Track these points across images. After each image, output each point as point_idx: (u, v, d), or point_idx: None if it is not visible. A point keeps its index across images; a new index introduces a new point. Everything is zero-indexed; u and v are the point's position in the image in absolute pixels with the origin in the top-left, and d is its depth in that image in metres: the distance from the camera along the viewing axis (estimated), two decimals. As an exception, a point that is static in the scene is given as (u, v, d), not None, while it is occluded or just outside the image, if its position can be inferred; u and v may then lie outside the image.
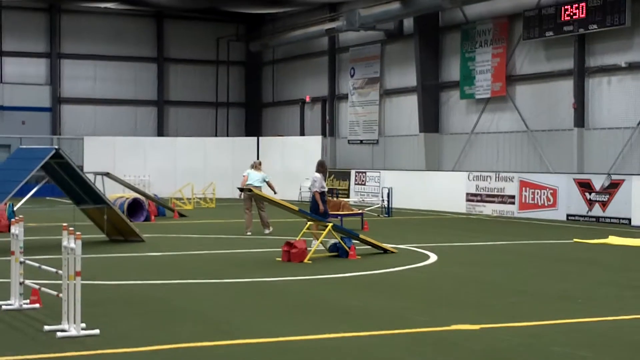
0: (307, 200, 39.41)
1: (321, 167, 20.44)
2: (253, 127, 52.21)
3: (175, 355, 9.07)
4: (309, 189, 20.62)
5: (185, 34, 51.85)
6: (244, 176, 23.84)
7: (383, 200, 32.24)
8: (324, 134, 45.45)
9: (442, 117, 38.28)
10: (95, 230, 21.23)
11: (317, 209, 19.52)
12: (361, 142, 43.28)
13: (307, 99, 47.59)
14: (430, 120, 38.21)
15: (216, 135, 50.81)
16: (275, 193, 22.52)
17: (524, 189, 30.52)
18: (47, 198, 37.99)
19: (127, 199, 27.65)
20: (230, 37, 52.24)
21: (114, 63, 50.52)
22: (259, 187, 23.01)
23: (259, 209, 23.71)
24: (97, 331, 9.84)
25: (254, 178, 23.47)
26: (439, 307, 12.23)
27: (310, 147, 41.84)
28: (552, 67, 32.77)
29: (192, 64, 52.36)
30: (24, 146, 24.12)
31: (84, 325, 9.85)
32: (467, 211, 32.40)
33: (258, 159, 42.42)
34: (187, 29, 51.89)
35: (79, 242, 9.86)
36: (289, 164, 41.95)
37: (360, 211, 26.34)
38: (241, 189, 20.97)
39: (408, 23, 39.65)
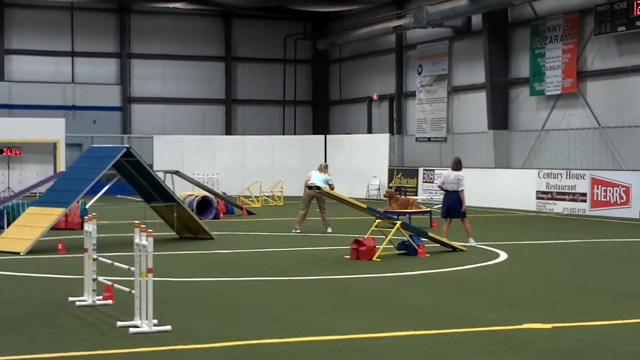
0: (374, 198, 39.39)
1: (460, 165, 20.49)
2: (320, 126, 52.26)
3: (244, 351, 9.12)
4: (441, 186, 20.01)
5: (253, 32, 52.09)
6: (307, 176, 23.88)
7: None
8: (391, 131, 45.31)
9: (511, 114, 37.92)
10: (166, 227, 21.44)
11: (459, 208, 19.55)
12: (429, 139, 43.07)
13: (374, 97, 47.49)
14: (499, 117, 37.87)
15: (284, 134, 50.96)
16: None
17: (595, 186, 30.08)
18: (118, 196, 38.46)
19: (196, 197, 27.88)
20: (298, 36, 52.35)
21: (182, 62, 50.97)
22: (318, 188, 23.15)
23: (321, 209, 23.70)
24: (168, 327, 9.93)
25: (317, 179, 23.48)
26: (510, 306, 12.11)
27: (378, 145, 41.77)
28: (624, 62, 32.24)
29: (259, 63, 52.59)
30: (95, 145, 24.43)
31: (155, 321, 9.95)
32: (537, 209, 32.04)
33: (325, 157, 42.60)
34: (255, 28, 52.13)
35: (151, 239, 9.96)
36: (356, 162, 41.93)
37: (428, 209, 26.21)
38: (309, 187, 21.01)
39: (476, 19, 39.34)
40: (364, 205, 18.54)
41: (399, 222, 17.85)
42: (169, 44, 50.41)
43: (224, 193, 31.64)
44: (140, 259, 10.06)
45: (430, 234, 18.56)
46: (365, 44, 47.74)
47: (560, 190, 31.45)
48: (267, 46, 52.36)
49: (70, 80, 48.64)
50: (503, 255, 17.92)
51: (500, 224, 27.04)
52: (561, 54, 34.49)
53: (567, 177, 31.23)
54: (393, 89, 46.22)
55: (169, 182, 29.22)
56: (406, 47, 45.47)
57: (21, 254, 17.62)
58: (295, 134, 51.11)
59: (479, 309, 11.75)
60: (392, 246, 18.08)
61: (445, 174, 20.46)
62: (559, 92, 34.70)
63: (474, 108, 39.83)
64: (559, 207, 31.33)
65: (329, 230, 23.30)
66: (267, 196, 37.28)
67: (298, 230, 23.18)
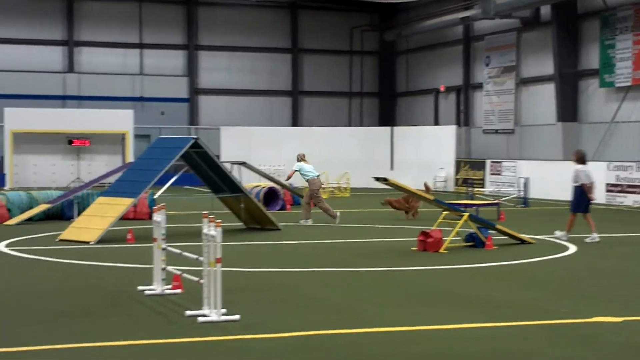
0: (442, 190, 39.20)
1: (582, 159, 20.05)
2: (387, 117, 52.11)
3: (311, 342, 9.13)
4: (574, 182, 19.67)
5: (320, 24, 52.11)
6: (291, 171, 24.05)
7: (520, 190, 31.74)
8: (458, 123, 45.03)
9: (580, 106, 37.42)
10: (233, 218, 21.57)
11: (578, 202, 19.32)
12: (496, 131, 42.70)
13: (441, 89, 47.23)
14: (568, 109, 37.39)
15: (350, 125, 50.92)
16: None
17: (666, 179, 29.58)
18: (186, 187, 38.78)
19: (263, 188, 28.00)
20: (364, 27, 52.26)
21: (249, 54, 51.19)
22: (318, 177, 23.73)
23: (319, 202, 23.63)
24: (237, 317, 9.99)
25: (310, 169, 23.69)
26: (580, 299, 11.97)
27: (444, 137, 41.54)
28: (697, 53, 31.63)
29: (326, 55, 52.59)
30: (163, 136, 24.65)
31: (224, 310, 10.01)
32: (607, 202, 31.57)
33: (392, 149, 42.55)
34: (321, 20, 52.15)
35: (219, 230, 10.02)
36: (423, 154, 41.77)
37: (496, 201, 25.99)
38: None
39: (545, 10, 38.87)
40: (432, 197, 18.44)
41: (466, 214, 17.73)
42: (236, 36, 50.65)
43: (290, 184, 31.64)
44: (209, 249, 10.13)
45: (498, 226, 18.40)
46: (433, 35, 47.48)
47: (631, 183, 30.96)
48: (333, 38, 52.35)
49: (138, 71, 49.16)
50: (572, 248, 17.71)
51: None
52: (632, 45, 33.94)
53: (637, 170, 30.74)
54: (460, 80, 45.92)
55: (236, 173, 29.37)
56: (473, 39, 45.12)
57: (91, 243, 17.87)
58: (361, 125, 51.04)
59: (547, 301, 11.63)
60: (459, 238, 17.96)
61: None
62: (629, 83, 34.15)
63: (543, 100, 39.38)
64: (630, 200, 30.86)
65: (337, 221, 23.05)
66: (333, 188, 37.29)
67: (309, 221, 23.05)
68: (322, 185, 25.20)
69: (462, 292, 12.50)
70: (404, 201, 24.89)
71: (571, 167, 19.86)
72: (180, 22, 50.04)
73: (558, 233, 19.63)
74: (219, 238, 10.01)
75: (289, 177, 25.26)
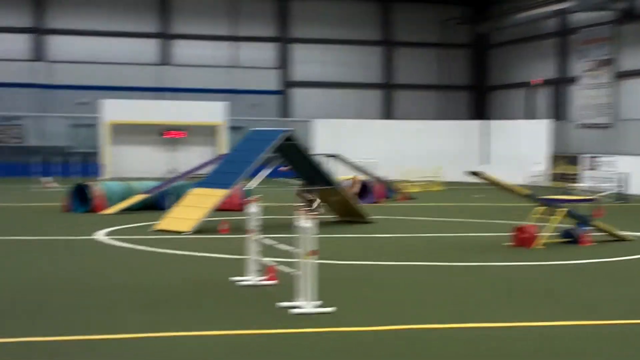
0: (535, 184, 38.62)
1: None
2: (479, 111, 51.63)
3: (407, 336, 9.08)
4: None
5: (412, 17, 51.85)
6: None
7: (619, 185, 31.10)
8: (552, 117, 44.34)
9: (682, 100, 36.51)
10: (325, 210, 21.58)
11: None
12: (592, 126, 41.93)
13: (535, 82, 46.55)
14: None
15: (442, 119, 50.57)
16: None
17: None
18: (279, 179, 38.97)
19: (355, 180, 27.98)
20: (456, 20, 51.80)
21: (341, 47, 51.20)
22: None
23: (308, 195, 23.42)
24: (331, 309, 9.99)
25: None
26: (681, 298, 11.67)
27: (538, 131, 40.95)
28: None
29: (418, 47, 52.31)
30: (257, 128, 24.78)
31: (318, 302, 10.02)
32: None
33: (484, 143, 42.06)
34: (414, 12, 51.88)
35: (313, 222, 10.02)
36: (516, 148, 41.26)
37: (593, 197, 25.51)
38: (471, 172, 20.75)
39: (644, 2, 38.05)
40: (526, 192, 18.19)
41: (563, 210, 17.42)
42: (328, 29, 50.72)
43: (382, 177, 31.60)
44: (304, 241, 10.14)
45: (595, 222, 18.04)
46: (526, 27, 46.82)
47: None
48: (426, 30, 52.04)
49: (231, 64, 49.58)
50: (672, 246, 17.28)
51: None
52: None
53: None
54: (554, 73, 45.20)
55: (328, 165, 29.40)
56: (568, 31, 44.34)
57: (186, 233, 18.08)
58: (454, 119, 50.64)
59: (647, 300, 11.37)
60: (555, 234, 17.67)
61: None
62: None
63: (642, 93, 38.54)
64: None
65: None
66: (425, 181, 37.09)
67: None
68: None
69: (559, 289, 12.30)
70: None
71: None
72: (273, 15, 50.30)
73: None
74: (313, 230, 10.02)
75: None
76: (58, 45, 47.66)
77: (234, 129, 44.82)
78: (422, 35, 52.09)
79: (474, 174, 19.35)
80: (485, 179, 17.79)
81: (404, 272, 13.74)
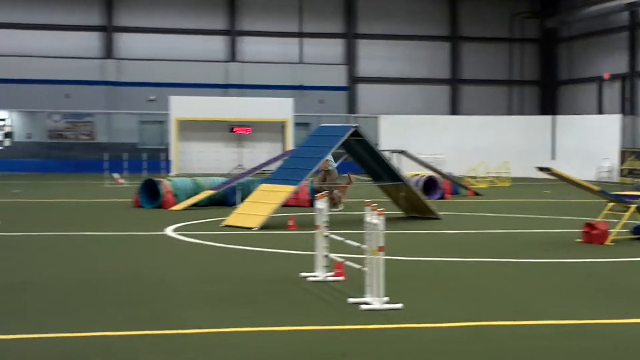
0: (605, 180, 38.14)
1: None
2: (548, 106, 51.11)
3: (475, 332, 9.03)
4: None
5: (479, 11, 51.52)
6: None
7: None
8: (623, 112, 43.70)
9: None
10: (393, 206, 21.56)
11: None
12: (664, 120, 41.29)
13: (606, 77, 45.93)
14: None
15: (510, 114, 50.16)
16: None
17: None
18: (343, 174, 38.98)
19: (422, 176, 27.90)
20: (525, 14, 51.34)
21: (407, 42, 51.09)
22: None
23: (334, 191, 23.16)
24: (400, 305, 9.97)
25: (332, 159, 23.13)
26: None
27: (609, 126, 40.40)
28: None
29: (485, 42, 51.98)
30: (324, 124, 24.84)
31: (387, 299, 10.01)
32: None
33: (553, 138, 41.63)
34: (481, 7, 51.54)
35: (382, 218, 10.01)
36: (586, 143, 40.76)
37: (663, 193, 25.07)
38: (541, 168, 20.55)
39: None
40: (597, 188, 17.96)
41: (633, 206, 17.17)
42: (394, 24, 50.62)
43: (449, 173, 31.47)
44: (372, 237, 10.14)
45: (666, 218, 17.73)
46: (596, 21, 46.23)
47: None
48: (493, 25, 51.67)
49: (298, 60, 49.73)
50: None
51: None
52: None
53: None
54: (625, 68, 44.55)
55: (395, 161, 29.36)
56: (639, 25, 43.67)
57: (254, 229, 18.18)
58: (521, 114, 50.20)
59: None
60: (626, 230, 17.42)
61: None
62: None
63: None
64: None
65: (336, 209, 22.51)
66: (493, 177, 36.84)
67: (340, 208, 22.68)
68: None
69: (630, 286, 12.13)
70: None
71: None
72: (339, 11, 50.35)
73: None
74: (381, 226, 10.01)
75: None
76: (127, 43, 48.27)
77: (300, 125, 44.98)
78: (489, 30, 51.74)
79: (544, 169, 19.15)
80: (555, 174, 17.59)
81: (472, 268, 13.66)
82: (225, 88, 48.68)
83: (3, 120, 47.77)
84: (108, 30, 48.14)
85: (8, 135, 47.76)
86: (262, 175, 27.24)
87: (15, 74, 47.00)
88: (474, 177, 35.81)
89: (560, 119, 44.03)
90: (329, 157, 22.38)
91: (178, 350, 8.18)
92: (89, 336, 8.65)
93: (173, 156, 42.85)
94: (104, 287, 11.38)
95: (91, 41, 48.13)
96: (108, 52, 48.24)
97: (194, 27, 48.88)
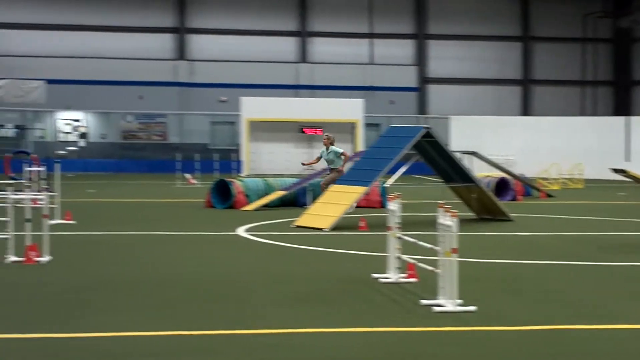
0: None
1: None
2: (622, 106, 50.37)
3: (549, 335, 8.95)
4: None
5: (551, 11, 51.00)
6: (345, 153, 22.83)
7: None
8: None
9: None
10: (464, 208, 21.44)
11: None
12: None
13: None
14: None
15: (583, 115, 49.53)
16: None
17: None
18: (416, 176, 38.91)
19: (493, 178, 27.70)
20: (597, 14, 50.66)
21: (478, 43, 50.79)
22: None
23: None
24: (474, 308, 9.93)
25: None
26: None
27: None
28: None
29: (557, 42, 51.44)
30: (395, 125, 24.80)
31: (460, 301, 9.97)
32: None
33: (628, 140, 41.04)
34: (553, 7, 51.00)
35: (455, 219, 9.98)
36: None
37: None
38: (616, 170, 20.31)
39: None
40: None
41: None
42: (465, 24, 50.36)
43: (521, 174, 31.17)
44: (445, 238, 10.11)
45: None
46: (672, 20, 45.48)
47: None
48: (565, 25, 51.12)
49: (368, 61, 49.73)
50: None
51: None
52: None
53: None
54: (702, 67, 43.77)
55: (466, 162, 29.20)
56: None
57: (325, 230, 18.23)
58: (595, 115, 49.55)
59: None
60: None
61: None
62: None
63: None
64: None
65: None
66: (565, 178, 36.42)
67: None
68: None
69: None
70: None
71: None
72: (409, 12, 50.25)
73: None
74: (455, 228, 9.97)
75: (345, 161, 22.75)
76: (199, 45, 48.78)
77: (370, 125, 44.97)
78: (561, 30, 51.19)
79: (619, 171, 18.89)
80: (631, 176, 17.37)
81: (545, 271, 13.53)
82: (295, 89, 48.89)
83: (78, 121, 48.59)
84: (180, 31, 48.66)
85: (83, 136, 48.57)
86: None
87: (90, 76, 47.77)
88: (546, 179, 35.43)
89: (635, 119, 43.35)
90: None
91: (252, 350, 8.25)
92: (164, 335, 8.76)
93: (244, 157, 43.14)
94: (179, 286, 11.52)
95: (164, 43, 48.71)
96: (180, 53, 48.76)
97: (265, 28, 49.18)
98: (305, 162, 26.00)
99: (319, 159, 23.24)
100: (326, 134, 23.70)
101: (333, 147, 22.74)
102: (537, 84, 51.57)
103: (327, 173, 23.15)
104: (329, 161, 22.80)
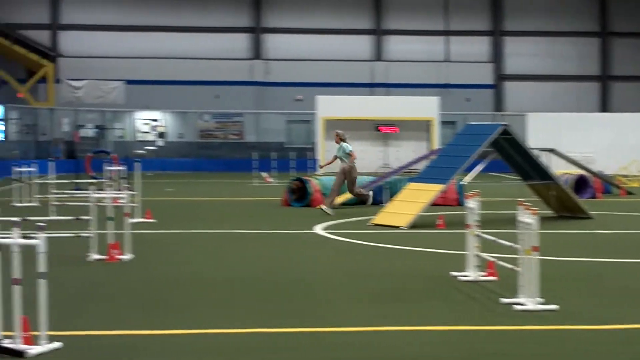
0: None
1: None
2: None
3: (632, 335, 8.84)
4: None
5: (630, 6, 50.28)
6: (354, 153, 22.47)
7: None
8: None
9: None
10: (542, 205, 21.23)
11: None
12: None
13: None
14: None
15: (663, 111, 48.69)
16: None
17: None
18: (493, 173, 38.60)
19: (572, 175, 27.38)
20: (680, 7, 49.79)
21: (555, 39, 50.22)
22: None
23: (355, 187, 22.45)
24: (555, 306, 9.84)
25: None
26: None
27: None
28: None
29: (636, 37, 50.61)
30: (471, 122, 24.67)
31: (541, 299, 9.89)
32: None
33: None
34: (631, 1, 50.24)
35: (536, 217, 9.90)
36: None
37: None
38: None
39: None
40: None
41: None
42: (541, 20, 49.85)
43: (600, 172, 30.73)
44: (525, 236, 10.03)
45: None
46: None
47: None
48: (644, 19, 50.32)
49: (443, 58, 49.51)
50: None
51: None
52: None
53: None
54: None
55: (544, 160, 28.89)
56: None
57: (403, 228, 18.21)
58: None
59: None
60: None
61: None
62: None
63: None
64: None
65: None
66: (644, 177, 35.85)
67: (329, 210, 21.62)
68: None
69: None
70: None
71: None
72: (485, 8, 49.90)
73: None
74: (535, 226, 9.90)
75: (351, 160, 22.58)
76: (275, 44, 49.09)
77: (446, 123, 44.76)
78: (640, 24, 50.39)
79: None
80: None
81: (627, 269, 13.34)
82: (371, 87, 48.89)
83: (156, 120, 49.24)
84: (256, 31, 49.00)
85: (161, 135, 49.21)
86: (408, 174, 27.24)
87: (168, 76, 48.39)
88: (626, 176, 34.88)
89: None
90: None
91: (333, 348, 8.29)
92: (243, 333, 8.85)
93: (320, 155, 43.27)
94: (259, 284, 11.62)
95: (240, 42, 49.11)
96: (256, 53, 49.11)
97: (340, 27, 49.25)
98: (322, 165, 25.81)
99: (335, 157, 23.09)
100: (337, 130, 23.61)
101: (343, 144, 22.63)
102: (615, 80, 50.80)
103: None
104: (340, 158, 22.74)
